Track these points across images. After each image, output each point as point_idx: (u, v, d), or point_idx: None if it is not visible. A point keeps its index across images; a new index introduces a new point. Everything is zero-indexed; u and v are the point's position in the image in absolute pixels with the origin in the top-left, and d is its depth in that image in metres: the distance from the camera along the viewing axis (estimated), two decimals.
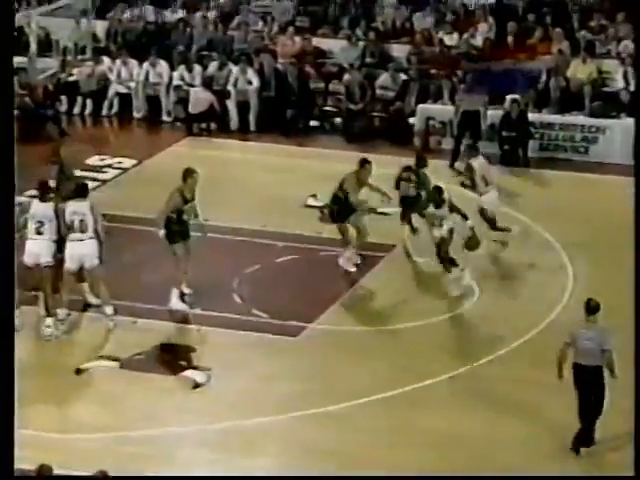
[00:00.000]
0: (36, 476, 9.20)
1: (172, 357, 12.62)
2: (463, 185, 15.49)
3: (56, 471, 9.26)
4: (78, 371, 12.19)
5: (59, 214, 12.89)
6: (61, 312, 13.05)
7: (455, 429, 11.24)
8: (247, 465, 10.78)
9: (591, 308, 10.68)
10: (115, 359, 12.41)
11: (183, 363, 12.45)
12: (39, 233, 12.85)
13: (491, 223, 15.13)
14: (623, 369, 10.75)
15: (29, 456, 10.05)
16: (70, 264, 12.96)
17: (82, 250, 12.89)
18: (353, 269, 14.40)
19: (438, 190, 14.26)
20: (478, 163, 15.29)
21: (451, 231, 14.01)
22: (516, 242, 15.25)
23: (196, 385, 12.08)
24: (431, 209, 14.13)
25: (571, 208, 16.32)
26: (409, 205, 15.12)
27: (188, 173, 13.60)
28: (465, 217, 14.08)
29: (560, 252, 14.94)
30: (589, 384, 10.58)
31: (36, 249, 12.84)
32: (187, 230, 13.62)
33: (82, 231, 12.88)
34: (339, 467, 10.67)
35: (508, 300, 13.81)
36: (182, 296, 13.63)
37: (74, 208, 12.94)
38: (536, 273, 14.46)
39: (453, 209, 14.06)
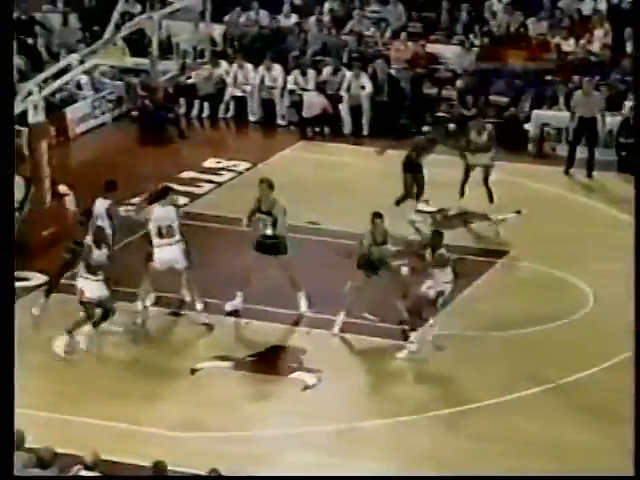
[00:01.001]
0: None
1: (283, 359, 12.65)
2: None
3: (170, 468, 9.36)
4: (192, 371, 12.30)
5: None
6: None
7: (561, 438, 11.06)
8: (353, 468, 10.74)
9: None
10: (228, 359, 12.50)
11: (293, 365, 12.47)
12: (171, 236, 13.01)
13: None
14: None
15: (145, 453, 10.21)
16: (159, 265, 13.11)
17: (170, 255, 13.06)
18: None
19: (439, 235, 12.94)
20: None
21: (441, 293, 12.65)
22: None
23: (306, 387, 12.08)
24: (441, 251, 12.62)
25: None
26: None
27: (258, 182, 13.44)
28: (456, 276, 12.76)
29: None
30: None
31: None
32: (264, 242, 13.22)
33: (171, 236, 13.04)
34: (444, 473, 10.58)
35: (622, 309, 13.47)
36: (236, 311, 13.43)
37: (160, 213, 13.07)
38: None
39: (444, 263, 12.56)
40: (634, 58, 18.01)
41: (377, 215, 13.12)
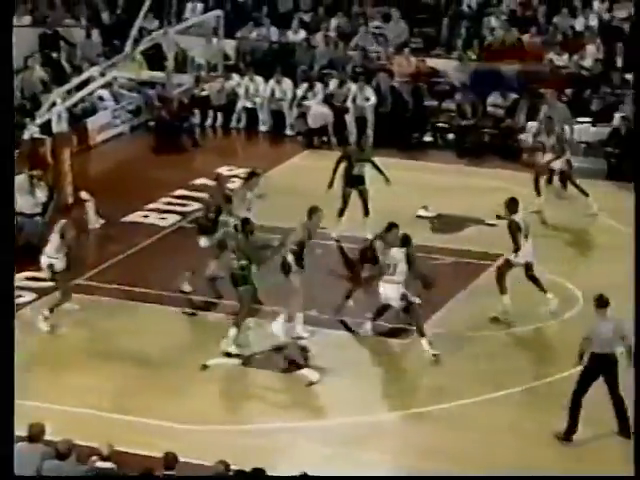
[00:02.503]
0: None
1: (288, 356, 12.61)
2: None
3: (181, 459, 9.37)
4: (203, 367, 12.31)
5: None
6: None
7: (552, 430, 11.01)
8: (358, 461, 10.73)
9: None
10: (237, 357, 12.51)
11: (299, 362, 12.47)
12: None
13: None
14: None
15: (156, 445, 10.22)
16: None
17: None
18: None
19: (514, 201, 13.41)
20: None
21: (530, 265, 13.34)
22: None
23: (310, 383, 12.09)
24: None
25: None
26: None
27: (313, 210, 13.09)
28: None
29: None
30: None
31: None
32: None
33: None
34: (448, 466, 10.56)
35: (610, 310, 13.43)
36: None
37: None
38: None
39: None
40: (634, 70, 18.04)
41: (392, 226, 13.06)
